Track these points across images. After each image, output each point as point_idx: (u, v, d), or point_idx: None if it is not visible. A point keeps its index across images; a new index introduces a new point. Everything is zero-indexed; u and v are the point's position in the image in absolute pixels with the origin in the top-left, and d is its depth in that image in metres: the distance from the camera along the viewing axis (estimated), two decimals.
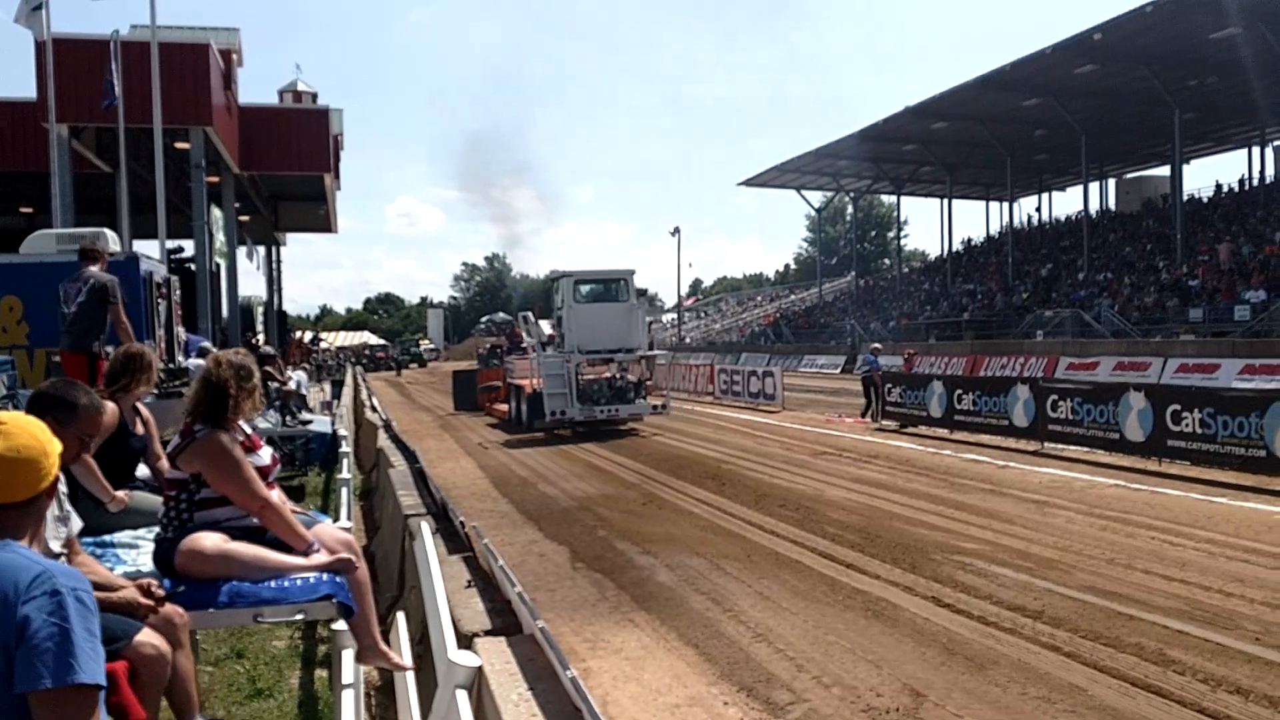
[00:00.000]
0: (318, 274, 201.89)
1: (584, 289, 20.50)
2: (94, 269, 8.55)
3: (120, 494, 4.38)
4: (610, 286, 20.81)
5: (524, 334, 22.49)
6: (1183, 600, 6.61)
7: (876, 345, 24.02)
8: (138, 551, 4.07)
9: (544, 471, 14.23)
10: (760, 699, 5.15)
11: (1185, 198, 41.01)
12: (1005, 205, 54.29)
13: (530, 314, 21.69)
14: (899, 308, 52.68)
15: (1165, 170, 47.01)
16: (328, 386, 25.16)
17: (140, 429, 4.84)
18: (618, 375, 20.32)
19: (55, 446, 2.24)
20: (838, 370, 43.23)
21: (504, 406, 22.67)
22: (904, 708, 4.95)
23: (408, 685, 4.20)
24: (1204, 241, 37.93)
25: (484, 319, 79.09)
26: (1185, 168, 40.83)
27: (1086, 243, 42.59)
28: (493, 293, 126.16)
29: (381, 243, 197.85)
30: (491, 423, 22.96)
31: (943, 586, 7.13)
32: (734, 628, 6.35)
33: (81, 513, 3.66)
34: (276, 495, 3.99)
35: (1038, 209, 58.56)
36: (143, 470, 4.93)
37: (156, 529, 3.97)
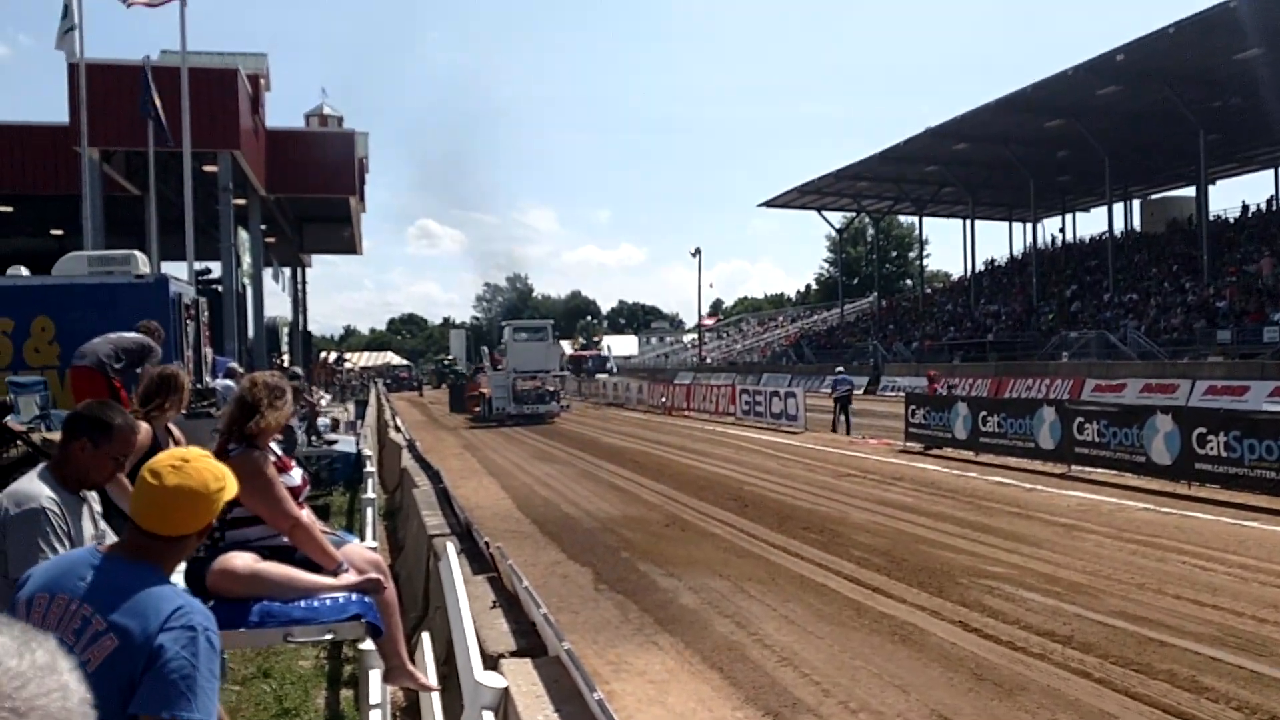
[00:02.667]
0: (340, 295, 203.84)
1: (520, 333, 32.26)
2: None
3: None
4: (537, 331, 32.95)
5: (486, 362, 33.53)
6: (1215, 626, 6.51)
7: (840, 369, 28.04)
8: None
9: (566, 492, 14.23)
10: None
11: (1211, 218, 40.70)
12: (1028, 226, 54.02)
13: (485, 349, 35.19)
14: (922, 328, 52.45)
15: (1190, 191, 46.70)
16: (352, 406, 25.29)
17: (172, 449, 4.89)
18: (540, 386, 31.00)
19: (223, 495, 2.32)
20: (861, 391, 43.04)
21: (478, 408, 32.55)
22: None
23: (433, 706, 4.20)
24: (1231, 263, 37.60)
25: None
26: (1210, 188, 40.54)
27: (1111, 263, 42.30)
28: (515, 313, 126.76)
29: (402, 264, 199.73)
30: (468, 417, 33.05)
31: (970, 611, 7.06)
32: (759, 651, 6.31)
33: (116, 532, 3.70)
34: (307, 515, 4.02)
35: (1061, 230, 58.32)
36: None
37: None
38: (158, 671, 1.95)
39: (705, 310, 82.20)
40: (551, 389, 31.36)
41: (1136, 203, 54.09)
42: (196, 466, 2.30)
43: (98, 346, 8.57)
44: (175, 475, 2.26)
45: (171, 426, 5.03)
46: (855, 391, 25.30)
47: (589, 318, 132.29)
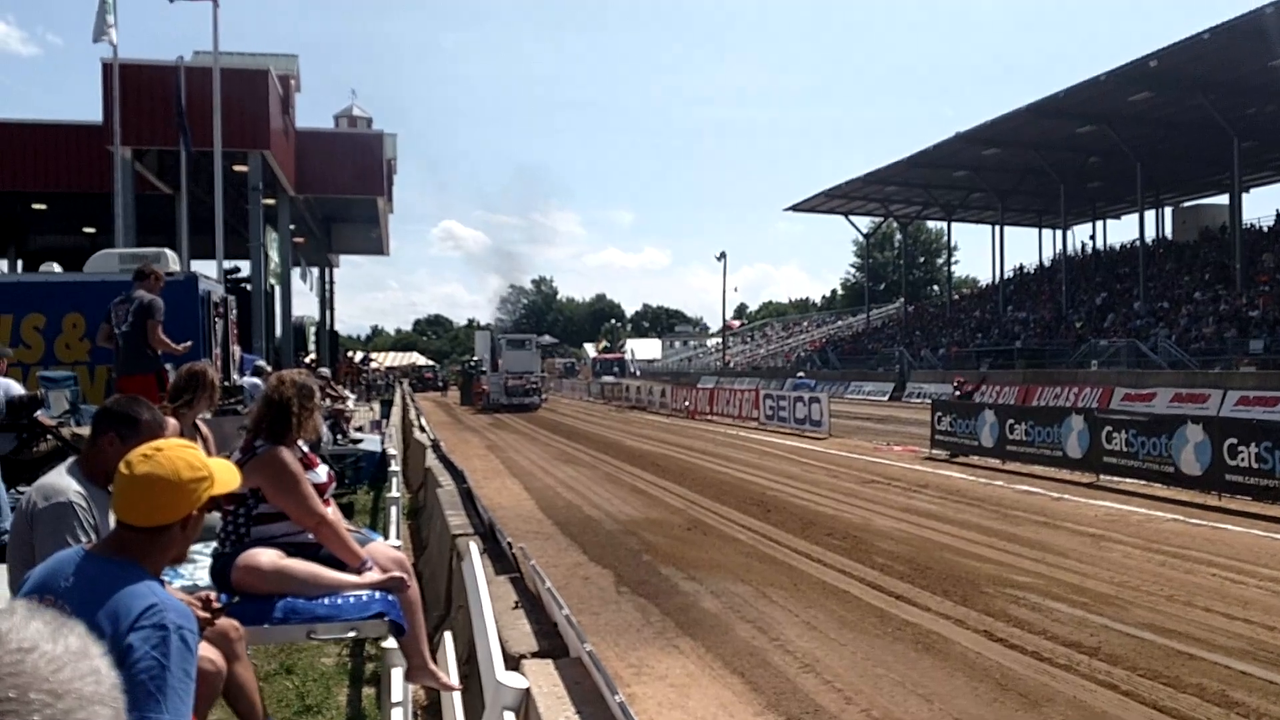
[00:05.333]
0: (366, 295, 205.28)
1: (511, 343, 42.13)
2: (141, 290, 8.77)
3: None
4: (523, 342, 43.19)
5: (489, 366, 42.16)
6: (1245, 640, 6.41)
7: (801, 373, 33.34)
8: (194, 566, 4.13)
9: (589, 494, 14.23)
10: None
11: (1244, 226, 40.18)
12: (1058, 232, 53.58)
13: (486, 357, 43.56)
14: (949, 335, 52.10)
15: (1222, 199, 46.13)
16: (377, 406, 25.45)
17: (199, 445, 4.92)
18: (525, 383, 39.57)
19: (201, 487, 2.26)
20: (885, 397, 42.81)
21: (480, 401, 40.58)
22: None
23: (455, 705, 4.20)
24: (1264, 271, 37.08)
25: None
26: (1244, 196, 40.03)
27: (1142, 271, 41.84)
28: (539, 315, 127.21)
29: (426, 265, 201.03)
30: (473, 407, 41.38)
31: (995, 620, 6.98)
32: (781, 657, 6.27)
33: None
34: (332, 512, 4.03)
35: (1092, 237, 57.76)
36: None
37: (213, 544, 4.03)
38: (125, 672, 1.88)
39: (729, 314, 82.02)
40: (534, 385, 40.29)
41: (1168, 210, 53.52)
42: (169, 455, 2.25)
43: None
44: (146, 464, 2.21)
45: (199, 423, 5.07)
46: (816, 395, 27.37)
47: (613, 321, 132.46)
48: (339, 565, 3.86)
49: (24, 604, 0.81)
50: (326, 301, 46.40)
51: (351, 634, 3.86)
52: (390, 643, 4.00)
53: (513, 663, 4.02)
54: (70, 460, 3.66)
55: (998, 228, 55.47)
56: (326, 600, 3.70)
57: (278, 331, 29.99)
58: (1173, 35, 30.82)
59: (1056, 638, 6.52)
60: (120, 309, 8.85)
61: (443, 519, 7.97)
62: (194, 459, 2.30)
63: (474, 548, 5.09)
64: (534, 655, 4.26)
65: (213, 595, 3.37)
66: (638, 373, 63.55)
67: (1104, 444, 13.87)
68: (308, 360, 28.58)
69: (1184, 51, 30.97)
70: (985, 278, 70.57)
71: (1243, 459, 11.67)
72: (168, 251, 13.94)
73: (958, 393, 22.41)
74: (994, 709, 5.29)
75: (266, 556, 3.73)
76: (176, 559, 2.49)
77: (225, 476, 2.38)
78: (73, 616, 1.97)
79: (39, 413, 7.32)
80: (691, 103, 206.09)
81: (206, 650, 3.15)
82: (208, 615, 3.19)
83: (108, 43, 19.40)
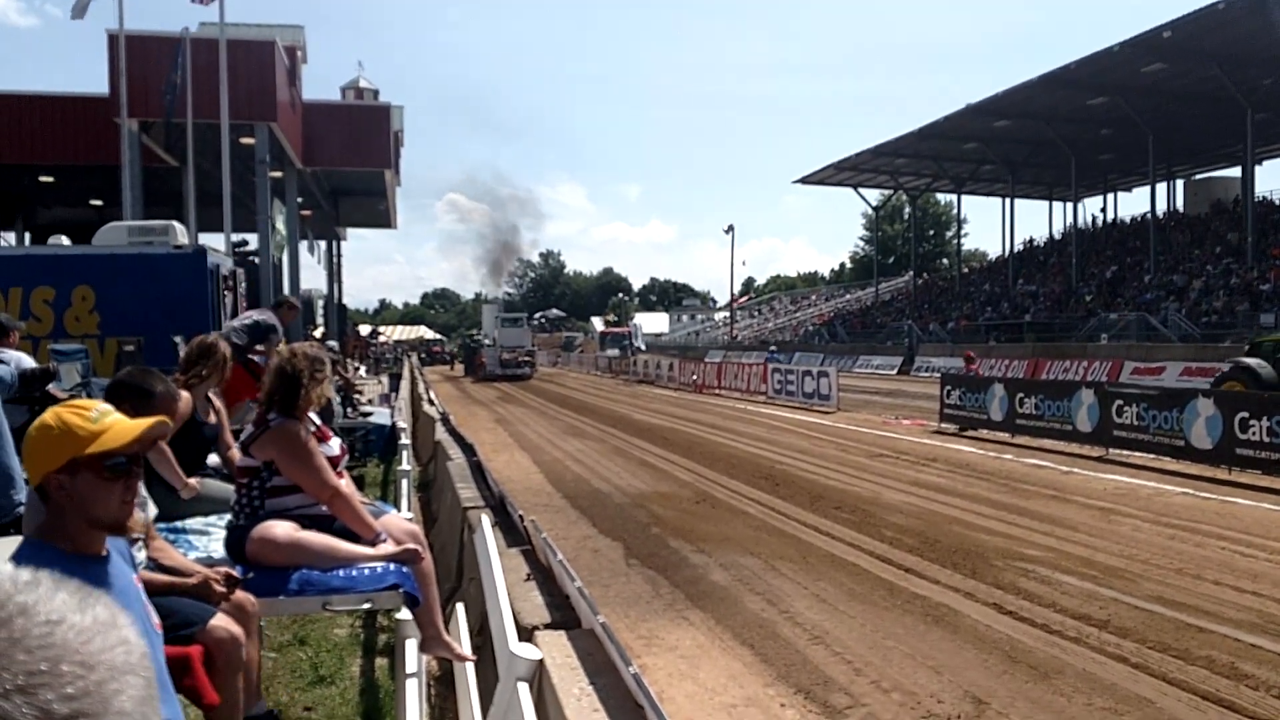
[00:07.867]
0: (372, 269, 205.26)
1: (504, 319, 47.29)
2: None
3: (192, 481, 4.47)
4: (516, 320, 48.99)
5: (483, 340, 47.50)
6: (1255, 613, 6.41)
7: (773, 347, 35.11)
8: (209, 538, 4.16)
9: (597, 468, 14.26)
10: (818, 702, 5.09)
11: (1256, 199, 39.86)
12: (1069, 205, 53.24)
13: (491, 330, 47.45)
14: (958, 308, 51.92)
15: (1235, 171, 45.75)
16: (385, 379, 25.49)
17: (212, 418, 4.94)
18: (518, 356, 44.14)
19: (49, 446, 2.14)
20: (894, 371, 42.77)
21: (480, 372, 44.91)
22: (965, 715, 4.87)
23: (468, 676, 4.23)
24: (1275, 245, 36.83)
25: (538, 315, 79.93)
26: (1256, 169, 39.70)
27: (1153, 245, 41.57)
28: (546, 289, 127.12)
29: (433, 239, 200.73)
30: (473, 378, 45.41)
31: (1004, 593, 6.99)
32: (790, 629, 6.29)
33: (155, 499, 3.74)
34: (346, 484, 4.04)
35: (1103, 209, 57.38)
36: (213, 459, 5.03)
37: (227, 516, 4.04)
38: None
39: (737, 288, 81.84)
40: (526, 359, 45.12)
41: (1180, 183, 53.08)
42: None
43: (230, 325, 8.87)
44: None
45: (211, 395, 5.08)
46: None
47: (620, 294, 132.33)
48: (353, 537, 3.87)
49: (49, 575, 0.80)
50: (334, 275, 46.44)
51: (366, 605, 3.88)
52: (404, 614, 4.02)
53: (525, 634, 4.04)
54: None
55: (1008, 200, 55.14)
56: (341, 572, 3.71)
57: None
58: (1187, 6, 30.35)
59: (1066, 610, 6.53)
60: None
61: (453, 492, 8.01)
62: (50, 417, 2.19)
63: (485, 520, 5.11)
64: (546, 627, 4.28)
65: (230, 570, 3.39)
66: (644, 347, 63.61)
67: (1114, 418, 13.84)
68: (316, 334, 28.63)
69: (1198, 22, 30.60)
70: (995, 251, 70.16)
71: (1254, 433, 11.64)
72: (176, 224, 13.93)
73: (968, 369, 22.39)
74: (1003, 681, 5.31)
75: (281, 529, 3.75)
76: (113, 527, 2.23)
77: (115, 433, 2.18)
78: None
79: (51, 385, 7.33)
80: (700, 75, 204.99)
81: (224, 622, 3.17)
82: (224, 590, 3.21)
83: (80, 20, 19.34)
